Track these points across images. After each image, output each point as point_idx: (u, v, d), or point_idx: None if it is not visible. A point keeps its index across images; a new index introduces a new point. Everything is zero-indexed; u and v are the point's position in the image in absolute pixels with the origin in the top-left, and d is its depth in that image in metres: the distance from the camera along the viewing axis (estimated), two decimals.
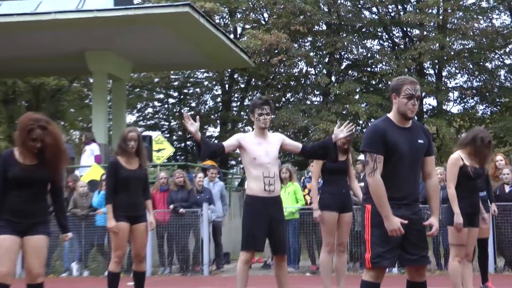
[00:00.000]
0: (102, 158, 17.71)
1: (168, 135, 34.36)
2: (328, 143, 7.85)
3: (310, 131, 28.84)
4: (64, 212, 6.94)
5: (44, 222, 6.46)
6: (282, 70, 31.97)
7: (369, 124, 26.07)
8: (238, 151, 7.86)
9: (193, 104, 35.82)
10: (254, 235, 7.52)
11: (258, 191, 7.52)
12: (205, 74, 34.30)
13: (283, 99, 32.31)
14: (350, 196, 9.44)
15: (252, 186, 7.57)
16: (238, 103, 34.15)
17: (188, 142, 35.45)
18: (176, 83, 34.98)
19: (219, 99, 34.90)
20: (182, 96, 35.77)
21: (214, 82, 34.67)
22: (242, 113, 33.21)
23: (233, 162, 33.78)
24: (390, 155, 5.61)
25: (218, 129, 34.24)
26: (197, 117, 7.32)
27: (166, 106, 36.51)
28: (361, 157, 13.81)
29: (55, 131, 6.37)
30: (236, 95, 34.47)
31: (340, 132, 7.84)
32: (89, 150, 17.44)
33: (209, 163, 16.50)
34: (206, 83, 35.05)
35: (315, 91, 32.07)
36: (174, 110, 36.03)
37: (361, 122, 29.85)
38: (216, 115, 34.55)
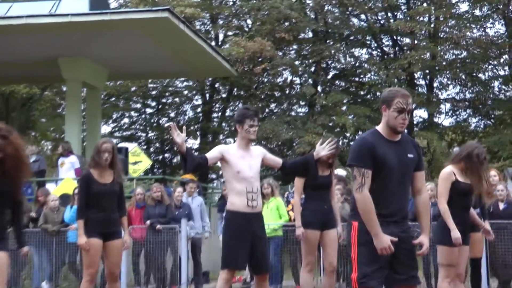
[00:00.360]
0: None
1: (145, 147, 34.26)
2: (309, 160, 7.89)
3: (294, 144, 28.87)
4: (22, 227, 6.89)
5: (4, 238, 6.35)
6: (266, 79, 32.00)
7: (357, 137, 26.05)
8: (218, 164, 7.84)
9: (172, 115, 35.74)
10: (236, 253, 7.48)
11: (241, 206, 7.49)
12: (185, 83, 34.28)
13: (267, 110, 32.35)
14: (334, 213, 9.40)
15: (235, 201, 7.53)
16: (219, 114, 34.16)
17: (166, 155, 35.38)
18: (154, 92, 34.92)
19: (199, 110, 34.88)
20: (160, 106, 35.70)
21: (194, 92, 34.65)
22: (223, 124, 33.19)
23: (213, 176, 33.73)
24: (378, 170, 5.61)
25: (198, 141, 34.21)
26: (184, 127, 7.29)
27: (143, 116, 36.41)
28: (338, 171, 13.75)
29: (16, 141, 6.25)
30: (217, 106, 34.47)
31: (322, 149, 7.89)
32: (68, 163, 17.24)
33: (188, 176, 16.43)
34: (185, 92, 35.03)
35: (300, 101, 32.11)
36: (152, 121, 35.94)
37: (348, 134, 29.92)
38: (196, 126, 34.50)
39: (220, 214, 14.66)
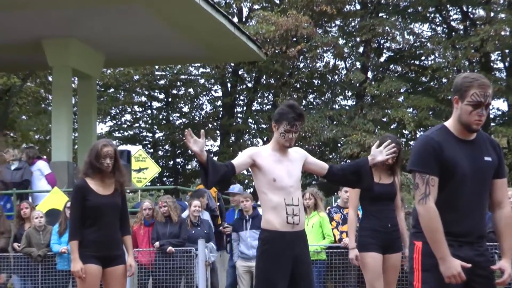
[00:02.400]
0: (57, 178, 17.69)
1: (151, 151, 34.39)
2: (362, 166, 7.82)
3: (339, 144, 28.83)
4: None
5: None
6: (303, 64, 31.99)
7: (418, 135, 25.87)
8: (247, 171, 7.82)
9: (185, 109, 35.87)
10: (275, 283, 7.45)
11: (279, 224, 7.41)
12: (201, 70, 34.38)
13: (304, 102, 32.32)
14: (399, 232, 9.33)
15: (270, 217, 7.46)
16: (244, 108, 34.16)
17: (178, 160, 35.48)
18: (162, 82, 35.05)
19: (219, 103, 34.94)
20: (170, 99, 35.81)
21: (212, 81, 34.73)
22: (249, 120, 33.18)
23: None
24: (447, 177, 5.59)
25: (218, 142, 34.23)
26: (202, 132, 7.17)
27: (149, 111, 36.57)
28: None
29: None
30: (241, 98, 34.50)
31: (379, 153, 7.80)
32: (37, 171, 17.40)
33: (203, 186, 16.42)
34: (202, 81, 35.14)
35: (346, 91, 32.09)
36: (160, 117, 36.07)
37: (407, 132, 29.81)
38: (215, 124, 34.56)
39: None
